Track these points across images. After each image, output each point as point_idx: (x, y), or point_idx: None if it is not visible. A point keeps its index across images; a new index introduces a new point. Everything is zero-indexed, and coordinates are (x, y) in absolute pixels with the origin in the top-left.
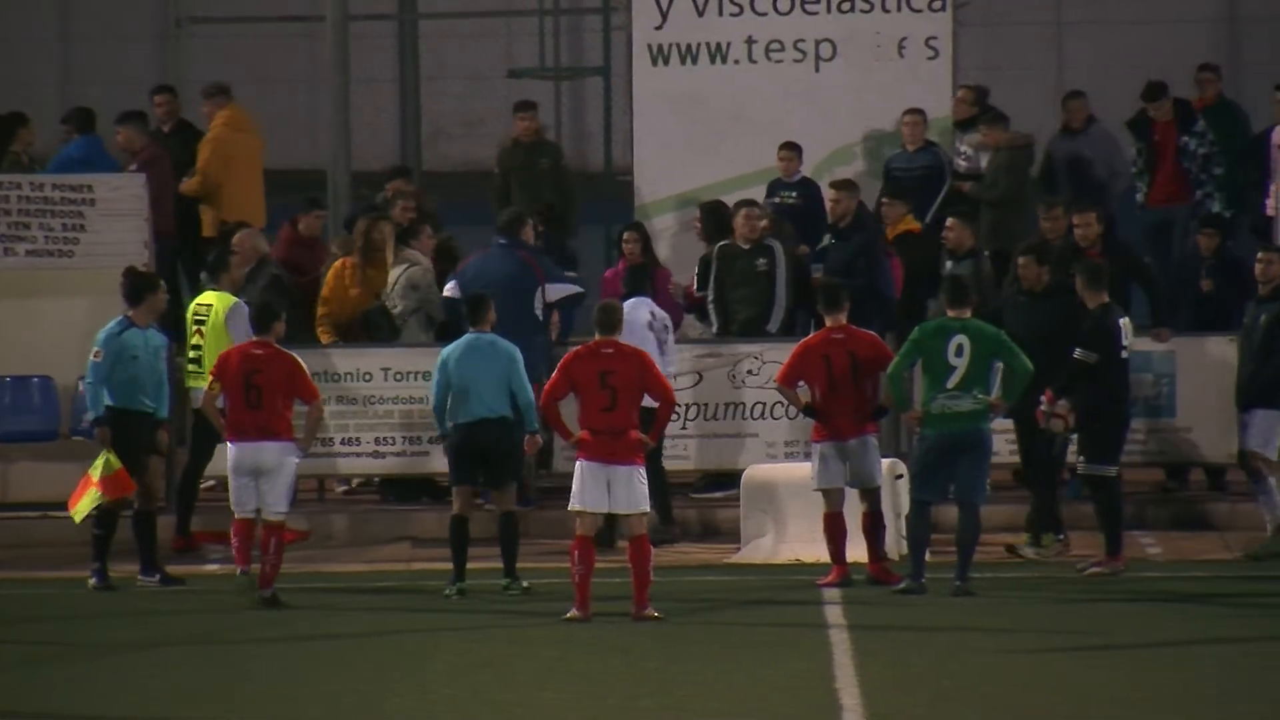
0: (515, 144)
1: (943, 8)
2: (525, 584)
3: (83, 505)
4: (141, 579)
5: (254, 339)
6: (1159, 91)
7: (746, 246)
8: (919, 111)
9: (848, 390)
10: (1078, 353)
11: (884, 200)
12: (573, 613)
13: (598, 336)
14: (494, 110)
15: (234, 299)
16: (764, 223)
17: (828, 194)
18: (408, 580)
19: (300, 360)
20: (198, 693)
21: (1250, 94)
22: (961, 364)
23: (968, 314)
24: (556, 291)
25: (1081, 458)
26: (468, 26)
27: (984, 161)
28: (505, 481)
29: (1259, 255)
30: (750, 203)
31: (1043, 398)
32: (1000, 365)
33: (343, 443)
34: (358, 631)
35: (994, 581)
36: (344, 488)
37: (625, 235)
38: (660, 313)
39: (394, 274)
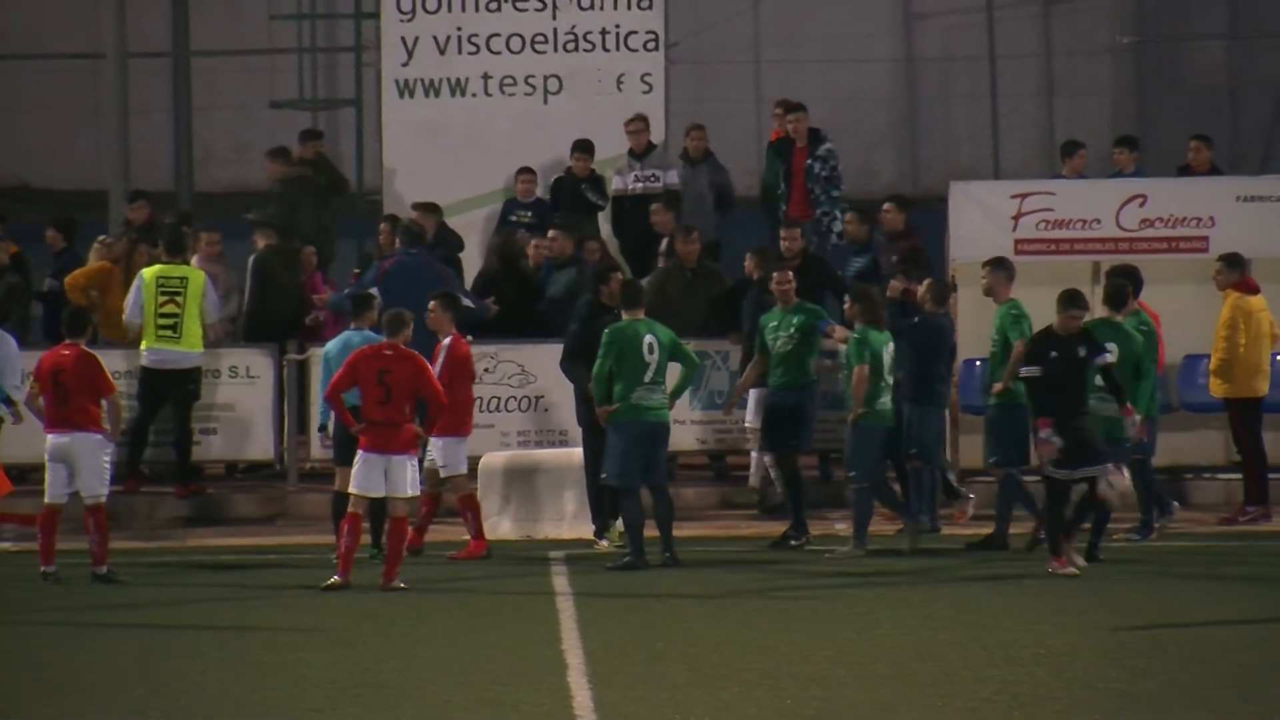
0: (300, 162)
1: (656, 48)
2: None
3: None
4: None
5: (65, 341)
6: (795, 106)
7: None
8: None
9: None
10: (1025, 370)
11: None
12: (333, 579)
13: (385, 338)
14: (258, 137)
15: (203, 272)
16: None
17: (412, 214)
18: (185, 555)
19: (100, 359)
20: None
21: (925, 127)
22: (654, 360)
23: (641, 314)
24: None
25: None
26: (235, 63)
27: (666, 180)
28: None
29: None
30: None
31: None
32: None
33: None
34: (137, 602)
35: (703, 554)
36: None
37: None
38: None
39: None
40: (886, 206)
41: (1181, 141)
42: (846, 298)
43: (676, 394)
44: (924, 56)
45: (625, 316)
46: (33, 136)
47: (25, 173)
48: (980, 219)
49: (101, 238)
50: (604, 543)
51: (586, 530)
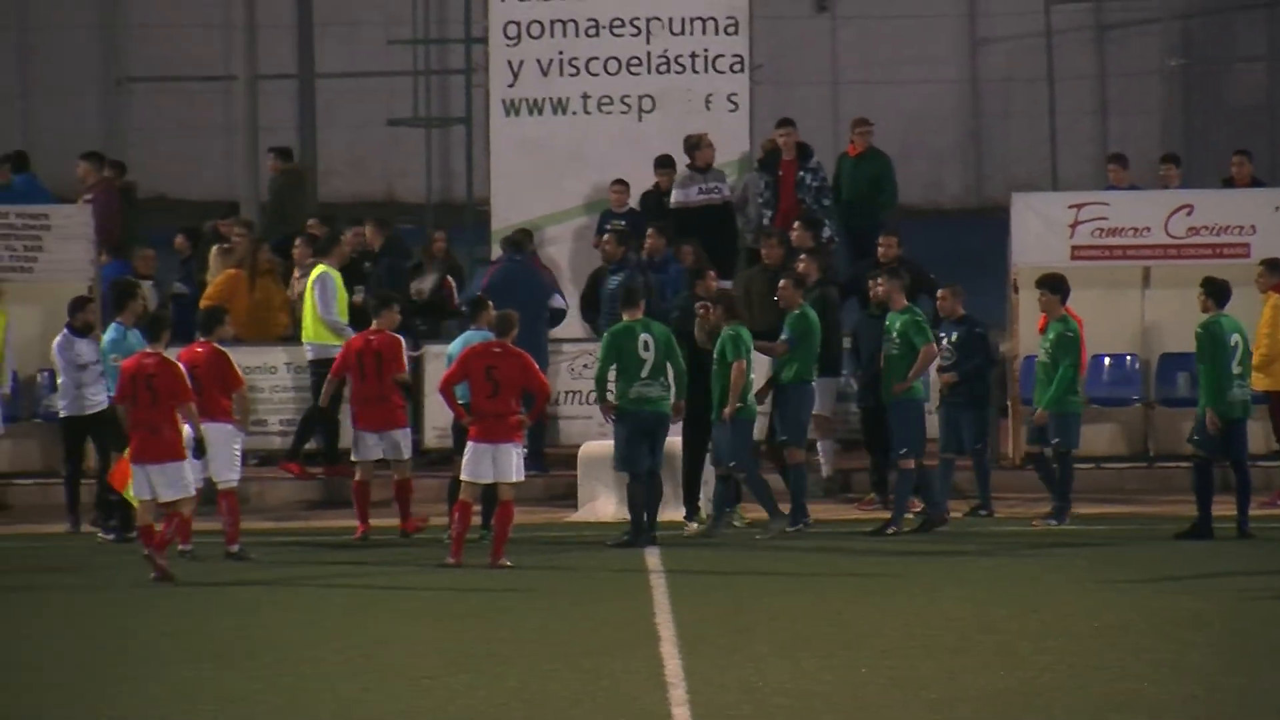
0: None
1: (741, 69)
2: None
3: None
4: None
5: (199, 339)
6: (785, 121)
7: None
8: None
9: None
10: None
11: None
12: (449, 560)
13: (493, 337)
14: (375, 153)
15: (323, 269)
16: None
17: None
18: (308, 537)
19: (230, 355)
20: (123, 630)
21: (988, 143)
22: (650, 357)
23: (639, 314)
24: (555, 301)
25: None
26: (354, 84)
27: (723, 193)
28: None
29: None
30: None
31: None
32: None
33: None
34: (265, 578)
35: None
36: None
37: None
38: None
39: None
40: (796, 225)
41: (1225, 156)
42: (707, 304)
43: (679, 394)
44: (987, 78)
45: (625, 317)
46: (170, 152)
47: (162, 185)
48: (1040, 228)
49: (219, 245)
50: (693, 525)
51: (678, 513)
